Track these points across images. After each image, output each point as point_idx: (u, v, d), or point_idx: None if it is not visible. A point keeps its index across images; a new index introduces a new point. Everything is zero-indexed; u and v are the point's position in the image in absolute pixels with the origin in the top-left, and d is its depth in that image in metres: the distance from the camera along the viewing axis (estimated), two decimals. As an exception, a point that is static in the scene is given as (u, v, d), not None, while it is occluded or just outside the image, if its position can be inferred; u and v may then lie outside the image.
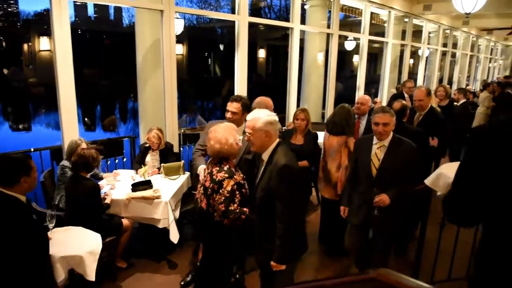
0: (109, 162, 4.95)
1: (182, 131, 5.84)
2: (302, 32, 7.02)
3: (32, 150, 4.30)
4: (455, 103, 6.78)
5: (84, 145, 3.61)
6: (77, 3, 27.84)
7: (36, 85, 19.06)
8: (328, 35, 7.61)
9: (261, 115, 2.35)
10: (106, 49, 24.49)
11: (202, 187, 2.56)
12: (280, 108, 6.97)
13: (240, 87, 5.71)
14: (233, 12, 5.67)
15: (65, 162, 3.61)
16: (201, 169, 3.00)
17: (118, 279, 3.41)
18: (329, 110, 7.88)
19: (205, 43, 25.49)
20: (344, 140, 3.61)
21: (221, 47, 25.65)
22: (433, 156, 4.53)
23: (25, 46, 21.42)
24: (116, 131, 17.69)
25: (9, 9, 27.01)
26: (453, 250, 3.01)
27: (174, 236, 3.48)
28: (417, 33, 11.29)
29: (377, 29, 10.23)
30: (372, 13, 8.97)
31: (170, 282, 3.43)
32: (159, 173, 4.11)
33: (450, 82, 14.64)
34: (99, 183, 3.77)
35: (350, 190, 3.06)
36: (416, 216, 4.09)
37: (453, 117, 5.86)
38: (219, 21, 22.19)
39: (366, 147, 2.90)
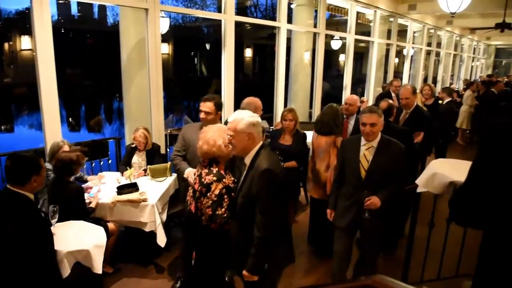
0: (93, 164, 4.83)
1: (169, 131, 5.75)
2: (289, 31, 7.01)
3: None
4: (440, 102, 6.87)
5: (66, 148, 3.51)
6: (60, 1, 27.37)
7: (18, 85, 18.62)
8: (314, 34, 7.61)
9: (244, 116, 2.22)
10: (90, 48, 24.11)
11: (191, 190, 2.51)
12: (267, 107, 6.95)
13: (227, 86, 5.66)
14: (219, 11, 5.62)
15: (47, 165, 3.50)
16: (189, 172, 2.97)
17: (104, 285, 3.31)
18: (316, 109, 7.89)
19: (191, 42, 25.31)
20: (333, 140, 3.59)
21: (207, 46, 25.52)
22: (419, 154, 4.56)
23: (6, 46, 20.90)
24: (101, 132, 17.44)
25: (-11, 8, 26.34)
26: (442, 249, 3.01)
27: (161, 239, 3.41)
28: (402, 32, 11.41)
29: (363, 28, 10.30)
30: (358, 13, 9.02)
31: (157, 286, 3.36)
32: (145, 175, 4.03)
33: (434, 81, 14.84)
34: (85, 185, 3.69)
35: (337, 193, 2.98)
36: (404, 214, 4.13)
37: (438, 115, 5.93)
38: (205, 20, 22.05)
39: (354, 148, 2.84)
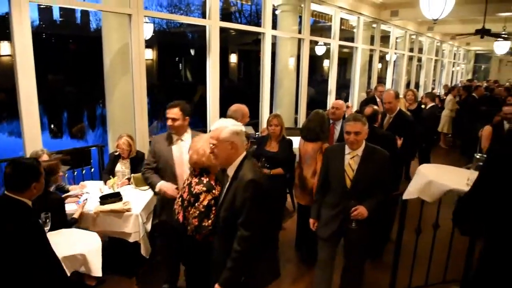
0: (76, 173, 4.72)
1: (153, 138, 5.66)
2: (274, 37, 7.02)
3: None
4: (423, 106, 6.97)
5: (45, 157, 3.39)
6: (41, 6, 26.90)
7: (-3, 91, 18.18)
8: (299, 40, 7.65)
9: (227, 124, 2.13)
10: (73, 53, 23.73)
11: (180, 198, 2.46)
12: (253, 113, 6.92)
13: (212, 93, 5.62)
14: (203, 16, 5.58)
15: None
16: (162, 186, 2.93)
17: (87, 298, 3.21)
18: (302, 115, 7.91)
19: (176, 48, 25.17)
20: (319, 146, 3.58)
21: (192, 52, 25.43)
22: (402, 159, 4.60)
23: (-15, 51, 20.39)
24: (84, 139, 17.13)
25: (-33, 12, 25.74)
26: (429, 255, 3.02)
27: (146, 250, 3.34)
28: (385, 38, 11.58)
29: (347, 34, 10.41)
30: (341, 19, 9.11)
31: (142, 298, 3.28)
32: (129, 184, 3.94)
33: (417, 86, 15.09)
34: (70, 194, 3.59)
35: (320, 202, 2.91)
36: (390, 219, 4.15)
37: (421, 120, 6.01)
38: (190, 25, 21.98)
39: (338, 157, 2.77)
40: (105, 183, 3.91)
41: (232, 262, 2.01)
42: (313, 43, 10.27)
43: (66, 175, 4.33)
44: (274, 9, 7.33)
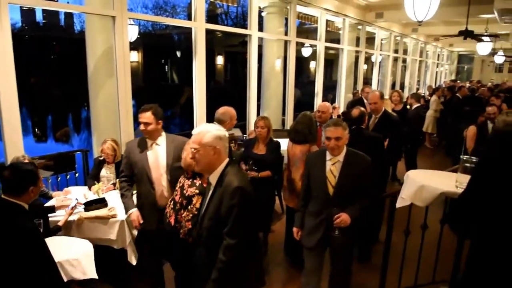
0: (59, 178, 4.61)
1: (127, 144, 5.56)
2: (260, 39, 7.01)
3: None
4: (408, 107, 7.05)
5: (27, 163, 3.30)
6: (24, 8, 26.43)
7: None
8: (285, 42, 7.66)
9: (210, 128, 2.04)
10: (57, 56, 23.38)
11: (172, 202, 2.43)
12: (240, 115, 6.89)
13: (199, 95, 5.57)
14: (189, 18, 5.53)
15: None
16: (133, 215, 2.93)
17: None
18: (289, 116, 7.91)
19: (162, 50, 25.03)
20: (308, 149, 3.57)
21: (178, 54, 25.30)
22: (388, 159, 4.63)
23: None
24: (69, 142, 16.87)
25: None
26: (418, 256, 3.03)
27: (133, 256, 3.27)
28: (370, 40, 11.69)
29: (333, 36, 10.47)
30: (327, 21, 9.16)
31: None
32: (114, 189, 3.86)
33: (402, 87, 15.28)
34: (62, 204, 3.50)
35: (303, 210, 2.83)
36: (377, 220, 4.17)
37: (407, 121, 6.07)
38: (176, 27, 21.87)
39: (319, 164, 2.70)
40: (89, 189, 3.82)
41: (217, 273, 1.95)
42: (300, 45, 10.29)
43: (50, 180, 4.24)
44: (260, 11, 7.32)
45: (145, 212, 2.98)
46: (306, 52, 11.76)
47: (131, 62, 4.70)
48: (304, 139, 3.59)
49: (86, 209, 3.29)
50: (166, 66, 26.07)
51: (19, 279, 2.05)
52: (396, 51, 13.61)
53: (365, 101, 6.33)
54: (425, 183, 2.57)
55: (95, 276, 2.84)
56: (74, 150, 5.01)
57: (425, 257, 3.05)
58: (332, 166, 2.65)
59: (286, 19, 7.82)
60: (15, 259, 2.04)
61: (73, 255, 2.76)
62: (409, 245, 3.03)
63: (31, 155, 3.57)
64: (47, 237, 2.96)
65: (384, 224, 3.42)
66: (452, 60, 24.80)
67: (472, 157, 2.32)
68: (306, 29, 13.99)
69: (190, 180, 2.35)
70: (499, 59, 16.97)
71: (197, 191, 2.26)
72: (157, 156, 2.95)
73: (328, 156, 2.68)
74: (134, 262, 3.29)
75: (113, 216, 3.23)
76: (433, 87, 14.12)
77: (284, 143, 3.93)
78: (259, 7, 7.11)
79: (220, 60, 24.05)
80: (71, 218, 3.22)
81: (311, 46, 10.73)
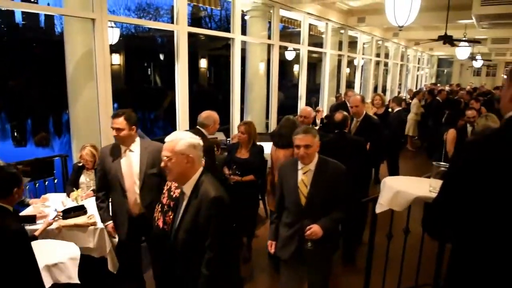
0: (37, 185, 4.48)
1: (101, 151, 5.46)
2: (244, 42, 7.00)
3: None
4: (390, 110, 7.13)
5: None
6: (2, 9, 25.80)
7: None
8: (269, 45, 7.66)
9: (183, 136, 1.97)
10: (37, 58, 22.88)
11: (159, 205, 2.39)
12: (224, 119, 6.87)
13: (181, 98, 5.51)
14: (173, 21, 5.47)
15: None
16: (109, 228, 2.94)
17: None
18: (273, 120, 7.91)
19: (145, 53, 24.79)
20: (291, 153, 3.54)
21: (161, 56, 25.09)
22: (371, 162, 4.69)
23: None
24: (50, 146, 16.52)
25: None
26: (401, 259, 3.04)
27: (113, 265, 3.19)
28: (352, 44, 11.83)
29: (316, 40, 10.55)
30: (310, 25, 9.22)
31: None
32: (94, 196, 3.77)
33: (384, 90, 15.50)
34: (33, 207, 3.40)
35: (277, 222, 2.72)
36: (361, 222, 4.19)
37: (389, 124, 6.14)
38: (159, 30, 21.65)
39: (291, 174, 2.60)
40: (68, 196, 3.72)
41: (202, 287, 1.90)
42: (283, 48, 10.33)
43: (27, 187, 4.11)
44: (243, 15, 7.31)
45: (118, 221, 2.94)
46: (289, 55, 11.81)
47: (113, 64, 4.66)
48: (288, 143, 3.57)
49: (64, 217, 3.20)
50: (149, 69, 25.82)
51: (2, 281, 2.01)
52: (378, 55, 13.81)
53: (348, 104, 6.39)
54: (400, 189, 2.60)
55: (77, 281, 2.80)
56: (53, 156, 4.87)
57: (408, 260, 3.07)
58: (304, 176, 2.55)
59: (270, 22, 7.84)
60: (2, 264, 1.99)
61: (60, 258, 2.73)
62: (392, 248, 3.05)
63: (10, 160, 3.46)
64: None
65: (368, 225, 3.44)
66: (432, 64, 25.32)
67: (444, 163, 2.38)
68: (289, 33, 14.09)
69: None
70: (477, 63, 17.42)
71: None
72: (131, 162, 2.88)
73: (300, 165, 2.58)
74: (114, 271, 3.22)
75: (93, 224, 3.15)
76: (414, 90, 14.37)
77: (268, 147, 3.92)
78: (242, 11, 7.10)
79: (203, 63, 23.98)
80: (50, 226, 3.12)
81: (295, 49, 10.78)
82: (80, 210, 3.30)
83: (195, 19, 26.22)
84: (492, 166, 1.28)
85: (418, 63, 20.78)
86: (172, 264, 2.06)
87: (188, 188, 1.97)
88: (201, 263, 1.90)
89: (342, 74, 11.15)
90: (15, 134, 18.28)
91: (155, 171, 2.74)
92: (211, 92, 22.48)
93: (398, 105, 7.01)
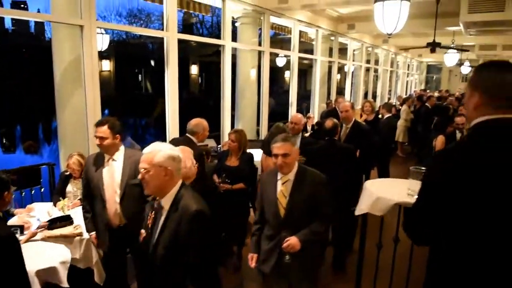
0: (24, 194, 4.39)
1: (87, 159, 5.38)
2: (234, 49, 7.00)
3: None
4: (380, 117, 7.17)
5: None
6: (-11, 15, 25.54)
7: None
8: (259, 52, 7.67)
9: (162, 147, 1.91)
10: (27, 63, 22.65)
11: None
12: (215, 125, 6.84)
13: (171, 106, 5.47)
14: (164, 28, 5.45)
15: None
16: (92, 239, 2.90)
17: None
18: (264, 126, 7.90)
19: (136, 59, 24.69)
20: (281, 161, 3.54)
21: (152, 63, 25.01)
22: (361, 168, 4.69)
23: None
24: (39, 153, 16.36)
25: None
26: (391, 268, 3.03)
27: (100, 276, 3.12)
28: (343, 50, 11.90)
29: (306, 46, 10.59)
30: (300, 32, 9.26)
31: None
32: (81, 205, 3.70)
33: (374, 96, 15.61)
34: (18, 217, 3.31)
35: (259, 234, 2.63)
36: (351, 229, 4.18)
37: (379, 130, 6.16)
38: (150, 36, 21.63)
39: (271, 184, 2.52)
40: (54, 205, 3.65)
41: None
42: (274, 55, 10.36)
43: (13, 196, 4.02)
44: (234, 21, 7.32)
45: (99, 231, 2.90)
46: (280, 62, 11.85)
47: (104, 71, 4.61)
48: (278, 151, 3.56)
49: (50, 227, 3.13)
50: (140, 75, 25.70)
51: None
52: (368, 61, 13.92)
53: (338, 111, 6.41)
54: (381, 195, 2.62)
55: (67, 285, 2.77)
56: (40, 164, 4.78)
57: (398, 268, 3.06)
58: (283, 186, 2.47)
59: (260, 29, 7.85)
60: None
61: (51, 262, 2.69)
62: (383, 256, 3.04)
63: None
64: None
65: (358, 233, 3.43)
66: (421, 70, 25.60)
67: (421, 167, 2.40)
68: (280, 39, 14.13)
69: None
70: (465, 69, 17.64)
71: None
72: (113, 172, 2.83)
73: (279, 175, 2.50)
74: (101, 282, 3.15)
75: (79, 235, 3.09)
76: (404, 96, 14.50)
77: (259, 154, 3.91)
78: (233, 17, 7.11)
79: (194, 69, 23.94)
80: (35, 237, 3.05)
81: (285, 56, 10.81)
82: (66, 220, 3.23)
83: (186, 25, 26.24)
84: (463, 172, 1.34)
85: (408, 69, 21.00)
86: (152, 279, 2.01)
87: (166, 201, 1.91)
88: (180, 277, 1.85)
89: (332, 81, 11.21)
90: (4, 141, 18.04)
91: (137, 182, 2.71)
92: (202, 98, 22.45)
93: (388, 112, 7.04)
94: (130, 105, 21.04)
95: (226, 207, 3.73)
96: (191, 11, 7.03)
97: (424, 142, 7.85)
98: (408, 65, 20.96)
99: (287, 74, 19.24)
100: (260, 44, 7.72)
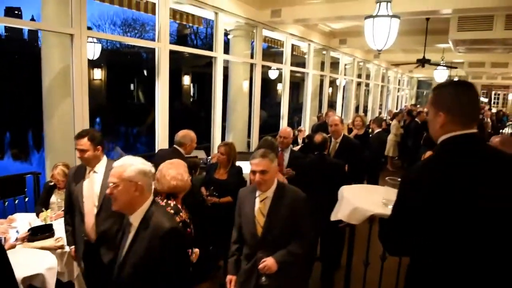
0: (7, 203, 4.29)
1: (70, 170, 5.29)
2: (227, 61, 7.02)
3: None
4: (370, 130, 7.21)
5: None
6: (-18, 21, 25.38)
7: None
8: (251, 64, 7.71)
9: (134, 162, 1.83)
10: (19, 70, 22.48)
11: None
12: (207, 137, 6.82)
13: (161, 116, 5.43)
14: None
15: None
16: (72, 252, 2.87)
17: None
18: (254, 138, 7.89)
19: (128, 68, 24.63)
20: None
21: (145, 72, 24.97)
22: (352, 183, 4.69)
23: None
24: (28, 160, 16.21)
25: None
26: (379, 280, 3.01)
27: (81, 290, 3.05)
28: (334, 64, 12.03)
29: (299, 59, 10.68)
30: (293, 45, 9.34)
31: None
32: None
33: (365, 110, 15.74)
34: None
35: (238, 254, 2.52)
36: (339, 245, 4.15)
37: (369, 145, 6.19)
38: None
39: (249, 201, 2.42)
40: (37, 216, 3.57)
41: None
42: (266, 67, 10.40)
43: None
44: (226, 34, 7.35)
45: (77, 245, 2.84)
46: (272, 74, 11.92)
47: (95, 79, 4.57)
48: (266, 164, 3.54)
49: (30, 239, 3.05)
50: (132, 85, 25.62)
51: None
52: (359, 76, 14.06)
53: (328, 125, 6.43)
54: (358, 205, 2.65)
55: None
56: (25, 173, 4.69)
57: (386, 285, 3.03)
58: (261, 204, 2.37)
59: (253, 42, 7.90)
60: None
61: (38, 269, 2.67)
62: (370, 273, 3.01)
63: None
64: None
65: (345, 249, 3.41)
66: (412, 86, 25.94)
67: (396, 178, 2.43)
68: (273, 52, 14.24)
69: (164, 201, 2.29)
70: (454, 85, 17.88)
71: (172, 211, 2.21)
72: (93, 184, 2.76)
73: (258, 192, 2.40)
74: (82, 297, 3.07)
75: (60, 247, 3.01)
76: (394, 111, 14.64)
77: (248, 166, 3.86)
78: (225, 30, 7.14)
79: (187, 80, 23.95)
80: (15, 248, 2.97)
81: (278, 69, 10.88)
82: (48, 231, 3.16)
83: (181, 36, 26.33)
84: (433, 185, 1.43)
85: (399, 84, 21.25)
86: None
87: (136, 218, 1.82)
88: None
89: (324, 94, 11.29)
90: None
91: None
92: (194, 109, 22.44)
93: (378, 126, 7.08)
94: (122, 113, 20.93)
95: (213, 221, 3.69)
96: (183, 23, 7.06)
97: (414, 157, 7.89)
98: (399, 80, 21.23)
99: (279, 86, 19.36)
100: (252, 57, 7.76)
